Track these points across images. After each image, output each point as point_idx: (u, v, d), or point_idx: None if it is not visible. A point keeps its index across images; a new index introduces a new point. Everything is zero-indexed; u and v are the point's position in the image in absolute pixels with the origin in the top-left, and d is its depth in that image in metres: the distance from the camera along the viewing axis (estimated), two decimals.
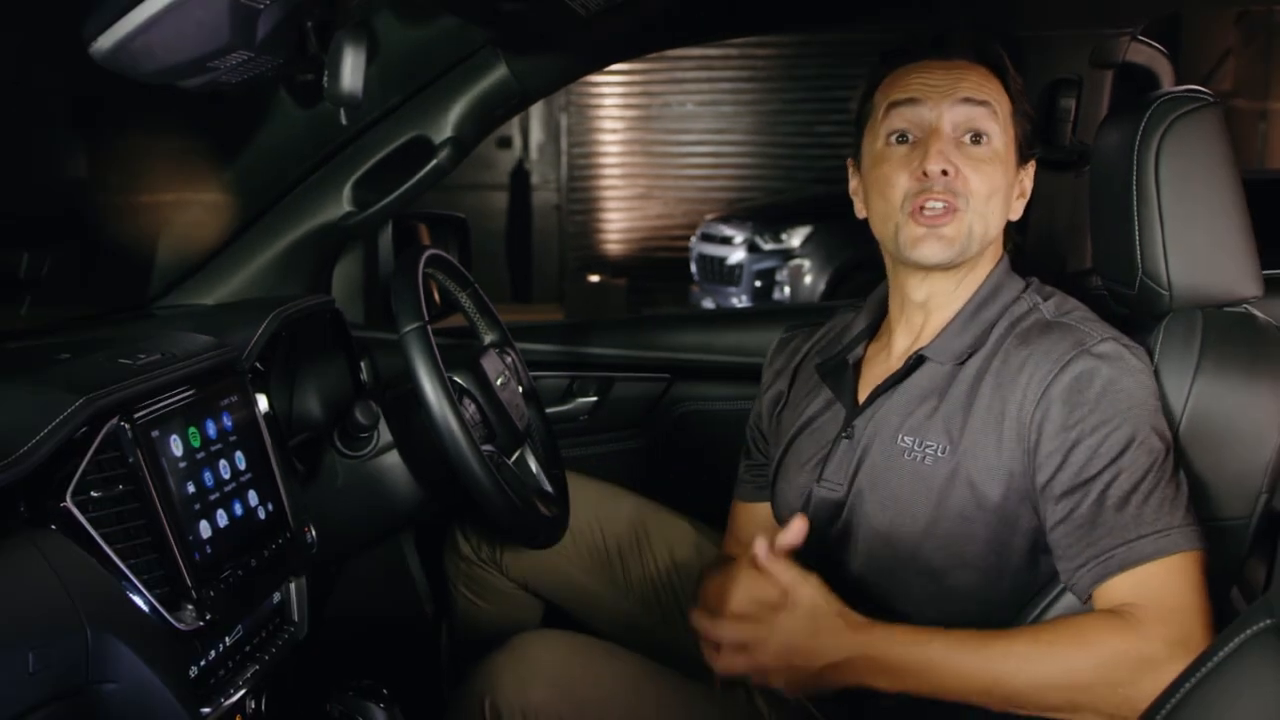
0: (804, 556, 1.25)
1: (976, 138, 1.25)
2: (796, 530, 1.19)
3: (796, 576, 1.17)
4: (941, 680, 1.13)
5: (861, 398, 1.33)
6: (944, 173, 1.22)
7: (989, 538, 1.22)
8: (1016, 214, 1.31)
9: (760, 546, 1.18)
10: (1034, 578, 1.24)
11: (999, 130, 1.26)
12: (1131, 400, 1.17)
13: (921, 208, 1.23)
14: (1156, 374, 1.24)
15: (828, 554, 1.31)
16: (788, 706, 1.33)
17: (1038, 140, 1.34)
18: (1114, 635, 1.11)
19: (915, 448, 1.24)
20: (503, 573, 1.68)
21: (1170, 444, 1.18)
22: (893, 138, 1.27)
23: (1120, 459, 1.15)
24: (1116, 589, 1.14)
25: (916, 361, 1.28)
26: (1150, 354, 1.26)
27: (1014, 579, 1.24)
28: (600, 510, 1.68)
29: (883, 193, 1.27)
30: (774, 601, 1.16)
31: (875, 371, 1.35)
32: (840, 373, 1.36)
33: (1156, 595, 1.12)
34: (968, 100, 1.24)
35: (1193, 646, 1.09)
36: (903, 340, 1.33)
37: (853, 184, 1.36)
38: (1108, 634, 1.11)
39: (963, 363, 1.25)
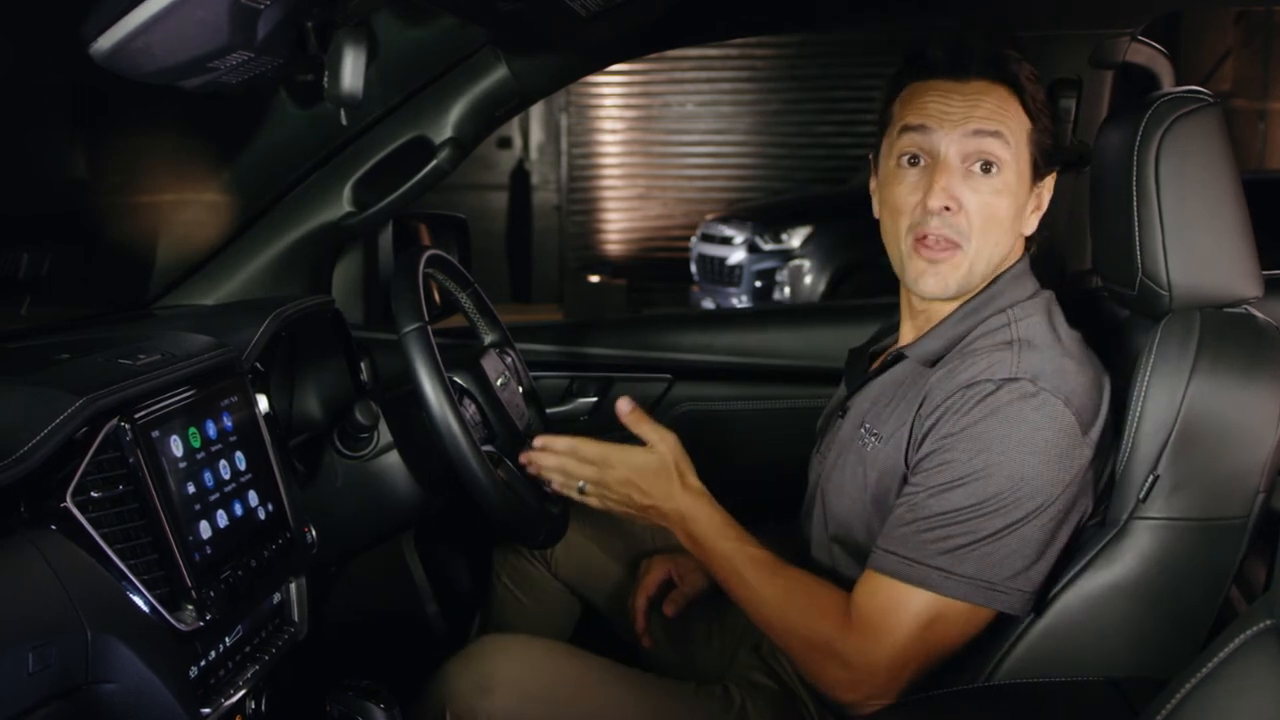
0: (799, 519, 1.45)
1: (987, 166, 1.24)
2: (624, 408, 1.38)
3: (656, 433, 1.36)
4: (718, 572, 1.30)
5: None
6: (946, 208, 1.23)
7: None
8: (1030, 229, 1.31)
9: (623, 403, 1.38)
10: None
11: (1010, 158, 1.24)
12: (1006, 443, 1.16)
13: (923, 238, 1.25)
14: (1152, 374, 1.24)
15: (806, 523, 1.43)
16: (769, 705, 1.35)
17: (1058, 152, 1.33)
18: (833, 627, 1.20)
19: (866, 435, 1.31)
20: (551, 570, 1.70)
21: (1050, 500, 1.17)
22: (904, 159, 1.27)
23: (959, 482, 1.17)
24: (875, 585, 1.19)
25: (896, 358, 1.34)
26: (1148, 354, 1.26)
27: None
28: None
29: (891, 215, 1.29)
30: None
31: (879, 362, 1.42)
32: (858, 360, 1.45)
33: (890, 614, 1.17)
34: (979, 132, 1.23)
35: (880, 673, 1.17)
36: (907, 334, 1.38)
37: (872, 182, 1.37)
38: (830, 624, 1.20)
39: (932, 364, 1.27)
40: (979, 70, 1.25)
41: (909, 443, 1.24)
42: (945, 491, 1.17)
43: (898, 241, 1.29)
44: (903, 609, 1.17)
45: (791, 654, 1.26)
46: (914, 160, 1.26)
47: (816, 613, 1.23)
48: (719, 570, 1.30)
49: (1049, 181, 1.32)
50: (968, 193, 1.24)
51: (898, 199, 1.28)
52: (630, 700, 1.32)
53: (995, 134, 1.23)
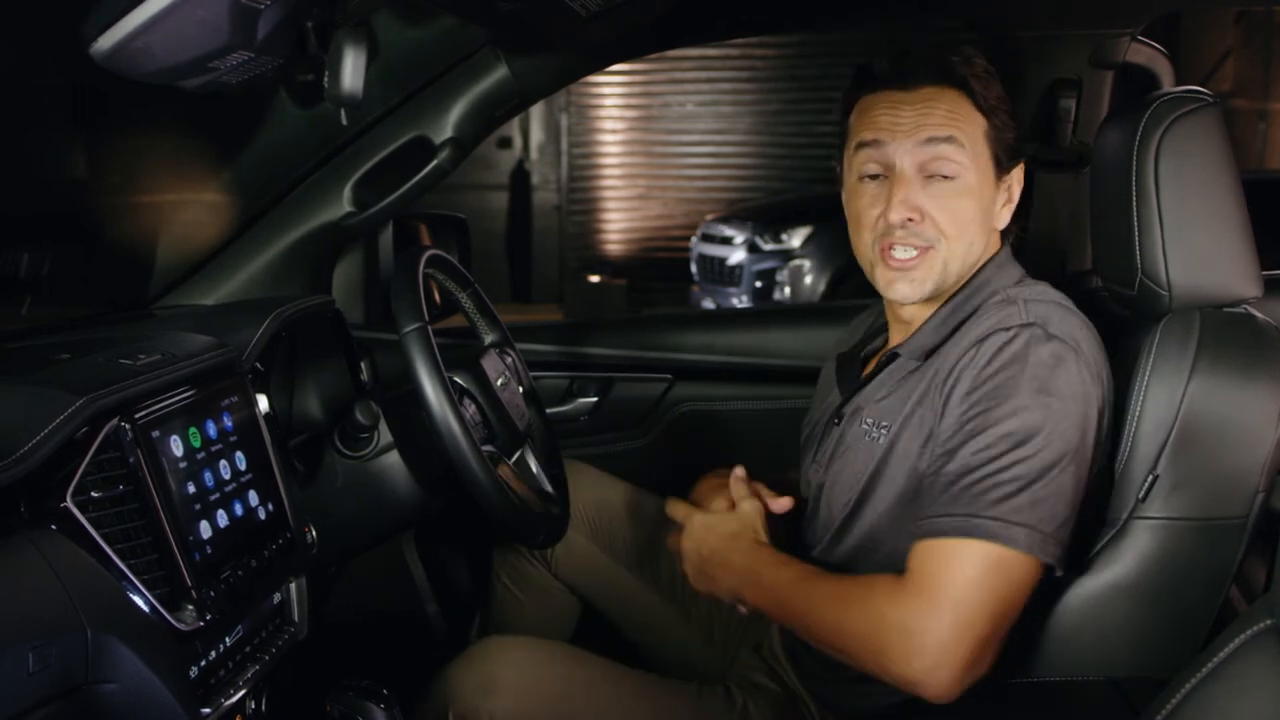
0: (794, 534, 1.41)
1: (945, 173, 1.24)
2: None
3: (745, 494, 1.38)
4: (778, 606, 1.26)
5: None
6: (909, 219, 1.24)
7: (918, 506, 1.23)
8: (1002, 223, 1.31)
9: (739, 470, 1.41)
10: None
11: (968, 160, 1.24)
12: (1035, 385, 1.15)
13: (890, 248, 1.26)
14: (1152, 374, 1.24)
15: (809, 531, 1.39)
16: (771, 706, 1.34)
17: (1022, 143, 1.32)
18: (885, 599, 1.15)
19: (872, 429, 1.29)
20: (550, 569, 1.70)
21: (1076, 447, 1.16)
22: (863, 175, 1.28)
23: (995, 429, 1.15)
24: (927, 549, 1.15)
25: (890, 358, 1.33)
26: (1147, 354, 1.26)
27: None
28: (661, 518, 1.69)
29: (857, 230, 1.30)
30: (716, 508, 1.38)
31: (873, 365, 1.40)
32: (850, 364, 1.43)
33: (945, 571, 1.13)
34: (932, 139, 1.23)
35: (943, 633, 1.11)
36: (895, 336, 1.38)
37: (843, 194, 1.36)
38: (883, 597, 1.15)
39: (927, 357, 1.27)
40: (926, 77, 1.25)
41: (920, 420, 1.23)
42: (984, 443, 1.15)
43: (867, 255, 1.30)
44: (959, 564, 1.13)
45: (851, 646, 1.18)
46: (874, 175, 1.27)
47: (869, 591, 1.18)
48: (780, 597, 1.26)
49: (1017, 174, 1.31)
50: (929, 200, 1.24)
51: (861, 213, 1.29)
52: (632, 701, 1.32)
53: (949, 139, 1.23)
